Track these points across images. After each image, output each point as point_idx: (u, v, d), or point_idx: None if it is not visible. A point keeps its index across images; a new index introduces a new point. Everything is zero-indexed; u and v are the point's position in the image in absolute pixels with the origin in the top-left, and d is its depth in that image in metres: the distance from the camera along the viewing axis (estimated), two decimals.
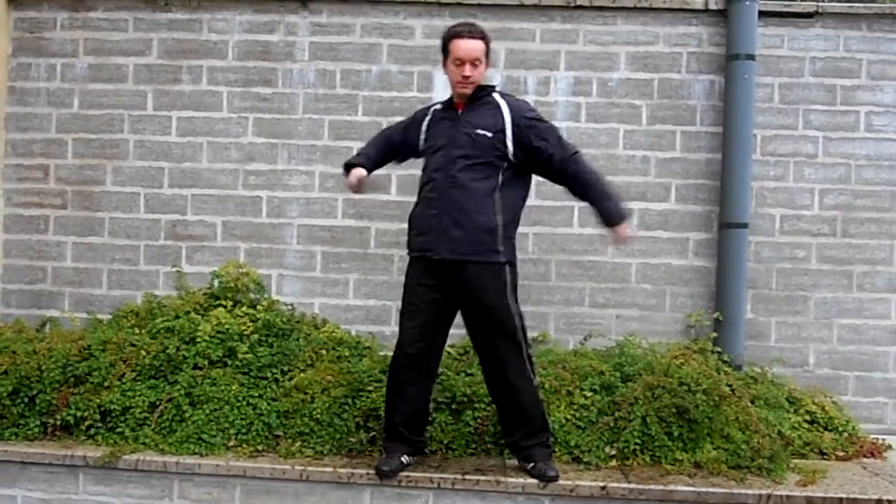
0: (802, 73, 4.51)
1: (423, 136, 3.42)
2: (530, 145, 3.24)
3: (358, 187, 3.43)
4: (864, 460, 3.87)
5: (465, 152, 3.23)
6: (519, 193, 3.37)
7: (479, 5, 4.53)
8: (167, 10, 4.64)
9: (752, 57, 4.35)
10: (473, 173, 3.22)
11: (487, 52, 3.28)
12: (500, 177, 3.26)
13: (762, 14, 4.40)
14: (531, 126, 3.26)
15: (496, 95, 3.33)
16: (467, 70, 3.22)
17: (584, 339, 4.42)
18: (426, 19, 4.58)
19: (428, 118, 3.43)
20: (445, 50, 3.29)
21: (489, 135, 3.22)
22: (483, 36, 3.26)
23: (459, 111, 3.32)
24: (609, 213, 3.29)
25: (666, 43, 4.54)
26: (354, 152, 4.46)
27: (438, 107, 3.45)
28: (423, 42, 4.56)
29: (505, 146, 3.23)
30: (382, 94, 4.59)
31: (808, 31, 4.51)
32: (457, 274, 3.24)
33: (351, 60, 4.61)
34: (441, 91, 4.44)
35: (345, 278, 4.62)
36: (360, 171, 3.41)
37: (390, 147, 3.55)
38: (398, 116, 4.41)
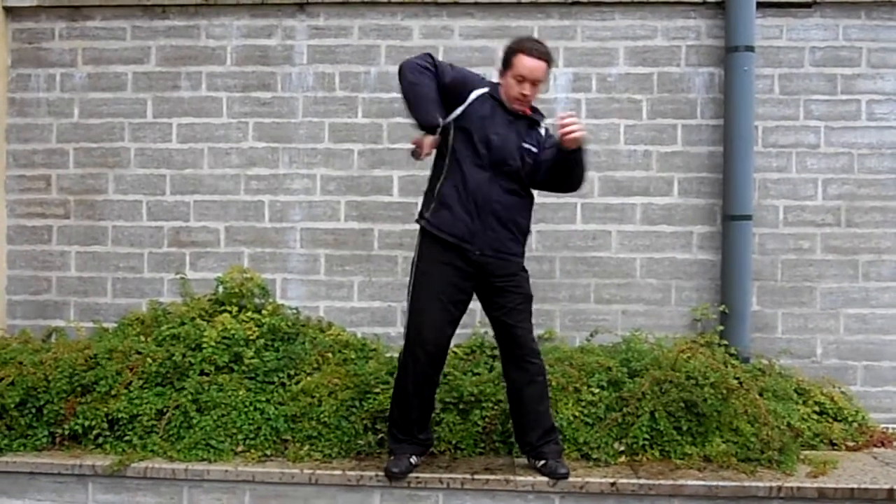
0: (802, 64, 4.50)
1: (463, 109, 3.25)
2: (544, 163, 3.32)
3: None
4: (875, 450, 3.86)
5: (511, 159, 3.24)
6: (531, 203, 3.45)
7: (477, 4, 4.53)
8: (165, 17, 4.65)
9: (751, 48, 4.34)
10: (511, 181, 3.27)
11: (548, 73, 3.28)
12: (526, 188, 3.35)
13: (760, 5, 4.38)
14: (552, 151, 3.31)
15: (542, 129, 3.38)
16: (527, 89, 3.21)
17: (591, 335, 4.41)
18: (424, 20, 4.57)
19: (474, 96, 3.25)
20: (508, 62, 3.25)
21: (534, 150, 3.29)
22: (549, 59, 3.24)
23: (513, 117, 3.28)
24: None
25: (664, 36, 4.53)
26: (356, 153, 4.50)
27: (486, 92, 3.28)
28: (421, 42, 4.55)
29: (538, 165, 3.30)
30: (382, 96, 4.58)
31: (806, 21, 4.49)
32: (499, 269, 3.28)
33: (349, 62, 4.60)
34: None
35: (349, 281, 4.62)
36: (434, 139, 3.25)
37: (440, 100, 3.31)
38: (398, 118, 4.43)
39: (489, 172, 3.22)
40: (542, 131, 3.37)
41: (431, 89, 3.21)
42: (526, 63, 3.19)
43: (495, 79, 3.36)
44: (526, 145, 3.27)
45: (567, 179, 3.34)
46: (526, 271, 3.41)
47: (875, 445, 3.92)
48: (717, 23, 4.48)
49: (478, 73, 3.45)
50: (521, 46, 3.23)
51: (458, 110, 3.25)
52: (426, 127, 3.19)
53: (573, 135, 3.12)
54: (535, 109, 3.36)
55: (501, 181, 3.24)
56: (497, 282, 3.30)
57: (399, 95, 4.52)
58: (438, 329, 3.25)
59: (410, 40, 4.57)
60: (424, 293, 3.27)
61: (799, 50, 4.50)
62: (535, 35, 4.50)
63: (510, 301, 3.33)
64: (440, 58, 4.43)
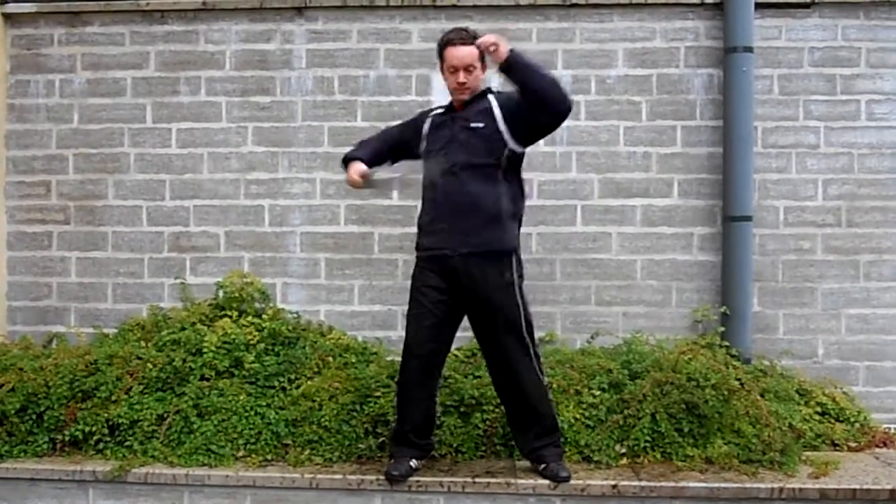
0: (801, 64, 4.49)
1: (423, 142, 3.41)
2: (515, 110, 3.23)
3: (360, 182, 3.38)
4: (877, 450, 3.85)
5: (465, 149, 3.24)
6: (519, 188, 3.37)
7: (475, 7, 4.53)
8: (163, 22, 4.65)
9: (749, 49, 4.34)
10: (475, 168, 3.24)
11: (483, 57, 3.26)
12: (501, 170, 3.27)
13: (759, 6, 4.38)
14: (510, 97, 3.27)
15: (490, 96, 3.35)
16: (461, 77, 3.24)
17: (591, 337, 4.40)
18: (422, 23, 4.57)
19: (428, 123, 3.42)
20: (440, 57, 3.32)
21: (482, 125, 3.25)
22: (475, 42, 3.24)
23: (458, 111, 3.34)
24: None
25: (663, 38, 4.53)
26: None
27: (439, 111, 3.45)
28: (420, 46, 4.55)
29: (501, 135, 3.24)
30: (381, 99, 4.59)
31: (805, 22, 4.49)
32: (464, 269, 3.24)
33: (348, 66, 4.61)
34: (440, 94, 4.42)
35: (349, 284, 4.61)
36: (359, 166, 3.38)
37: (389, 145, 3.52)
38: (397, 121, 4.36)
39: (450, 176, 3.24)
40: (491, 98, 3.33)
41: (375, 136, 3.60)
42: (453, 53, 3.23)
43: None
44: (474, 124, 3.25)
45: (533, 102, 3.16)
46: (512, 259, 3.29)
47: (877, 446, 3.90)
48: (715, 24, 4.48)
49: None
50: (446, 39, 3.28)
51: (422, 145, 3.40)
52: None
53: (492, 49, 3.12)
54: (479, 93, 3.35)
55: (464, 175, 3.23)
56: (478, 296, 3.26)
57: (398, 98, 4.59)
58: (425, 332, 3.30)
59: (409, 44, 4.58)
60: (411, 298, 3.37)
61: (798, 50, 4.50)
62: (534, 38, 4.53)
63: (487, 312, 3.30)
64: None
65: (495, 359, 3.36)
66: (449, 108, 3.40)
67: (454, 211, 3.23)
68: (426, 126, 3.42)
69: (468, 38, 3.25)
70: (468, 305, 3.33)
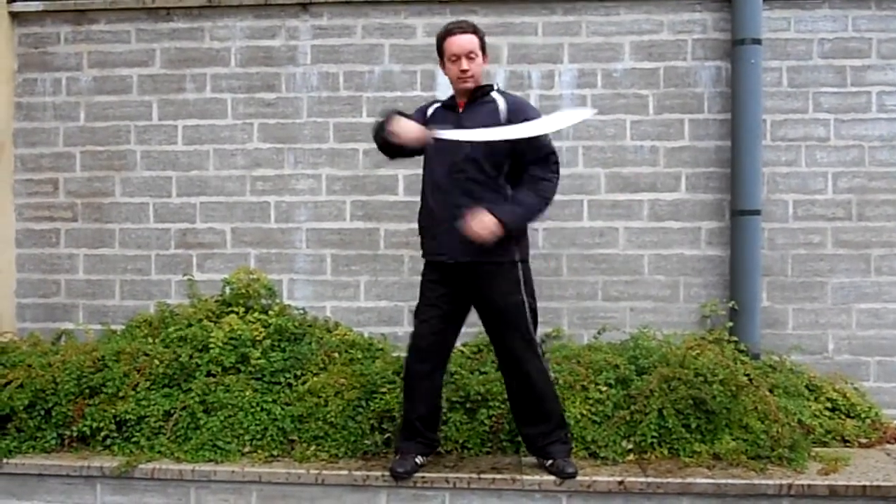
0: (811, 56, 4.44)
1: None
2: (518, 143, 3.19)
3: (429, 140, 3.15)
4: (888, 447, 3.81)
5: (467, 153, 3.18)
6: None
7: (480, 1, 4.51)
8: (169, 19, 4.66)
9: (758, 41, 4.29)
10: (478, 173, 3.19)
11: (483, 47, 3.25)
12: (503, 176, 3.24)
13: None
14: (521, 109, 3.26)
15: (495, 94, 3.30)
16: (464, 64, 3.20)
17: (598, 332, 4.38)
18: (427, 18, 4.55)
19: (429, 116, 3.37)
20: (441, 51, 3.29)
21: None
22: (475, 30, 3.25)
23: (460, 111, 3.29)
24: (501, 209, 3.16)
25: (670, 30, 4.49)
26: (361, 152, 4.50)
27: (438, 105, 3.41)
28: (424, 41, 4.53)
29: (504, 143, 3.16)
30: (386, 95, 4.57)
31: (815, 13, 4.44)
32: (469, 275, 3.23)
33: (353, 62, 4.60)
34: (445, 89, 4.40)
35: (355, 280, 4.61)
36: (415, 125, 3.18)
37: None
38: None
39: (452, 178, 3.20)
40: (497, 97, 3.28)
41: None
42: (453, 41, 3.21)
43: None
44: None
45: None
46: (518, 269, 3.26)
47: (888, 442, 3.86)
48: (723, 15, 4.44)
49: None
50: (445, 31, 3.26)
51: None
52: (385, 126, 3.19)
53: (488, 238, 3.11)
54: (480, 87, 3.29)
55: (466, 180, 3.19)
56: (482, 298, 3.27)
57: (403, 94, 4.57)
58: (430, 324, 3.31)
59: (414, 39, 4.56)
60: (420, 293, 3.39)
61: (807, 42, 4.45)
62: (539, 31, 4.51)
63: (492, 313, 3.29)
64: None
65: (502, 354, 3.35)
66: (450, 104, 3.34)
67: (455, 217, 3.16)
68: (427, 118, 3.34)
69: (467, 26, 3.24)
70: (475, 302, 3.34)
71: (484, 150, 3.16)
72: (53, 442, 3.68)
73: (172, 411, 3.71)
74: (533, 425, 3.36)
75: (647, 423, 3.53)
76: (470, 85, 3.24)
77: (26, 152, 4.73)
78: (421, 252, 3.40)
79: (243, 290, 4.29)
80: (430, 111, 3.39)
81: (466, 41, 3.20)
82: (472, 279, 3.24)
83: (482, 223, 3.09)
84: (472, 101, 3.28)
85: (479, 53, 3.24)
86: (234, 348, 3.95)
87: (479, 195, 3.17)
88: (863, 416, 3.98)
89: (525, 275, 3.28)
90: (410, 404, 3.38)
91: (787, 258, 4.45)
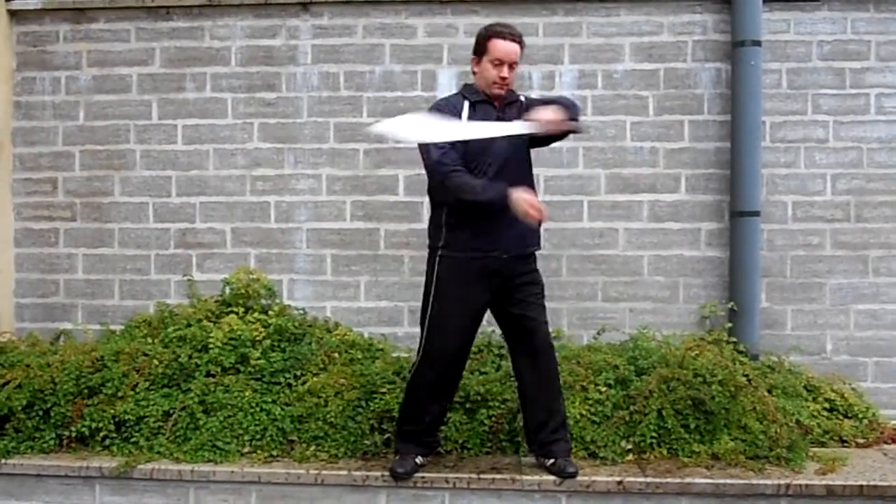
0: (810, 58, 4.46)
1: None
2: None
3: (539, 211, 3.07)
4: (885, 447, 3.82)
5: (515, 148, 3.23)
6: None
7: (481, 1, 4.52)
8: (168, 18, 4.65)
9: (758, 43, 4.30)
10: (524, 166, 3.30)
11: (521, 55, 3.27)
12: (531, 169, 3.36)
13: None
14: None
15: (522, 98, 3.38)
16: (505, 71, 3.20)
17: (598, 333, 4.38)
18: (428, 18, 4.55)
19: (466, 112, 3.26)
20: (482, 48, 3.24)
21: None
22: (521, 40, 3.24)
23: (497, 106, 3.29)
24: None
25: (670, 32, 4.49)
26: (361, 152, 4.48)
27: (468, 102, 3.27)
28: (425, 41, 4.54)
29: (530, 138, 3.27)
30: (387, 95, 4.57)
31: (814, 15, 4.45)
32: (523, 265, 3.28)
33: (354, 62, 4.59)
34: (445, 89, 4.43)
35: (356, 280, 4.61)
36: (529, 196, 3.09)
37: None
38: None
39: (500, 167, 3.20)
40: (524, 101, 3.36)
41: (454, 155, 3.16)
42: (501, 46, 3.19)
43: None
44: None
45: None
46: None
47: (885, 442, 3.87)
48: (723, 17, 4.44)
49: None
50: (494, 31, 3.22)
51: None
52: (502, 199, 3.08)
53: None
54: (511, 92, 3.34)
55: (514, 169, 3.22)
56: (518, 278, 3.28)
57: (404, 94, 4.57)
58: (462, 336, 3.31)
59: (415, 39, 4.56)
60: (446, 299, 3.24)
61: (807, 44, 4.46)
62: (540, 32, 4.51)
63: (529, 295, 3.30)
64: (444, 56, 4.49)
65: (528, 346, 3.33)
66: (483, 100, 3.27)
67: (508, 211, 3.09)
68: (465, 115, 3.26)
69: (516, 34, 3.22)
70: (511, 294, 3.29)
71: (521, 145, 3.27)
72: (52, 442, 3.67)
73: (172, 411, 3.70)
74: (541, 424, 3.35)
75: (647, 423, 3.54)
76: (503, 92, 3.26)
77: (25, 151, 4.72)
78: (446, 250, 3.25)
79: (243, 291, 4.29)
80: (464, 110, 3.25)
81: (513, 50, 3.20)
82: (520, 270, 3.27)
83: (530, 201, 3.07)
84: (505, 103, 3.31)
85: (518, 64, 3.27)
86: (234, 348, 3.95)
87: (531, 181, 3.30)
88: (860, 416, 3.99)
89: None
90: (426, 412, 3.35)
91: (785, 259, 4.46)
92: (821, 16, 4.45)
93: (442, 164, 3.14)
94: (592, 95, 4.51)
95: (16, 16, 4.70)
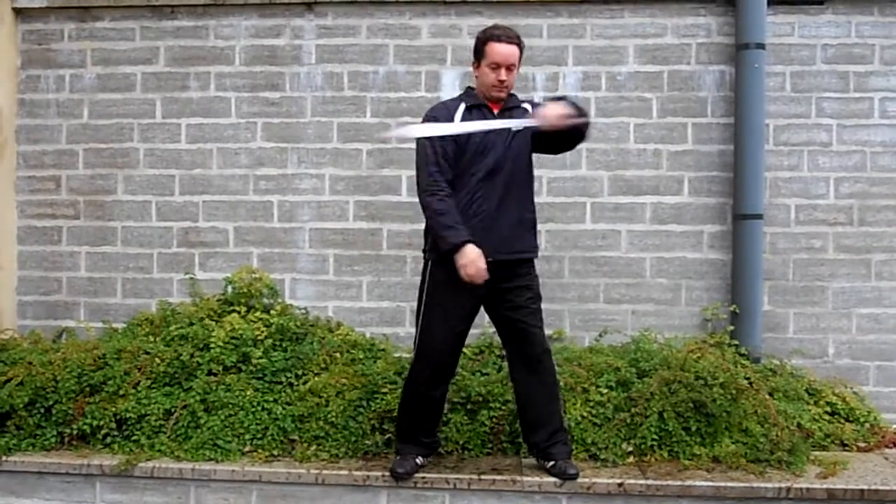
0: (814, 61, 4.45)
1: (463, 137, 3.23)
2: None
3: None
4: (887, 451, 3.82)
5: (513, 153, 3.23)
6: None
7: (485, 2, 4.52)
8: (173, 17, 4.66)
9: (762, 46, 4.30)
10: (523, 172, 3.28)
11: (521, 57, 3.26)
12: (531, 175, 3.35)
13: (771, 2, 4.34)
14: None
15: (526, 105, 3.35)
16: (503, 74, 3.19)
17: (600, 335, 4.39)
18: (432, 18, 4.56)
19: (460, 115, 3.25)
20: (480, 52, 3.23)
21: (527, 134, 3.26)
22: (519, 42, 3.24)
23: (496, 112, 3.27)
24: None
25: (674, 34, 4.49)
26: (365, 152, 4.48)
27: (463, 106, 3.28)
28: (429, 42, 4.54)
29: (531, 143, 3.28)
30: (390, 95, 4.57)
31: (818, 18, 4.45)
32: (513, 270, 3.26)
33: (358, 62, 4.60)
34: (449, 90, 4.44)
35: (358, 280, 4.61)
36: (477, 253, 3.10)
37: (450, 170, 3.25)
38: (406, 117, 4.44)
39: (498, 172, 3.20)
40: (527, 106, 3.34)
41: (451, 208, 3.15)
42: (499, 49, 3.18)
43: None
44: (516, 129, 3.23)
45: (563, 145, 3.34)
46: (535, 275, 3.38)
47: (887, 446, 3.87)
48: (727, 20, 4.44)
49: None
50: (492, 34, 3.21)
51: (462, 140, 3.22)
52: (452, 249, 3.10)
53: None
54: (512, 95, 3.33)
55: (512, 174, 3.22)
56: (509, 282, 3.27)
57: (407, 94, 4.57)
58: (457, 336, 3.29)
59: (419, 39, 4.56)
60: (441, 299, 3.24)
61: (811, 47, 4.46)
62: (544, 34, 4.51)
63: (522, 299, 3.29)
64: (448, 57, 4.49)
65: (524, 350, 3.32)
66: (480, 105, 3.26)
67: (511, 216, 3.19)
68: (458, 114, 3.25)
69: (513, 36, 3.21)
70: (506, 296, 3.28)
71: (521, 147, 3.25)
72: (53, 440, 3.68)
73: (173, 410, 3.71)
74: (539, 426, 3.35)
75: (648, 425, 3.53)
76: (503, 95, 3.26)
77: (29, 149, 4.73)
78: (435, 258, 3.23)
79: (245, 290, 4.29)
80: (458, 115, 3.25)
81: (511, 53, 3.19)
82: (515, 274, 3.26)
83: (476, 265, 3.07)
84: (507, 107, 3.29)
85: (517, 66, 3.25)
86: (236, 347, 3.95)
87: (521, 195, 3.27)
88: (862, 420, 3.99)
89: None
90: (422, 412, 3.36)
91: (788, 262, 4.45)
92: (825, 19, 4.44)
93: (431, 183, 3.16)
94: (596, 97, 4.51)
95: (21, 14, 4.71)
